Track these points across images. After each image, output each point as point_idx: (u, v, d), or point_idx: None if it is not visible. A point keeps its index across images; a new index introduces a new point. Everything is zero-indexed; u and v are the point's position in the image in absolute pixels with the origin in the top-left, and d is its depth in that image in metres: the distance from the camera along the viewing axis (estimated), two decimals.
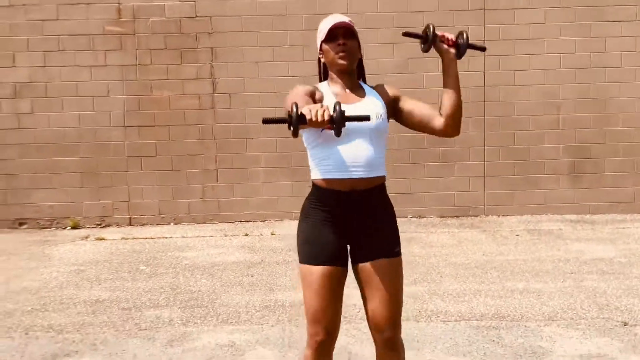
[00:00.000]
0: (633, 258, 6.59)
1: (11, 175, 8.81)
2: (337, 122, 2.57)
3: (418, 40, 3.02)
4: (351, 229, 2.93)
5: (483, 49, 3.13)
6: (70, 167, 8.84)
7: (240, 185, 8.94)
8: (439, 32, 2.95)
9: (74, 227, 8.73)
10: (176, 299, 5.54)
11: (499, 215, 8.86)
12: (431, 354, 4.20)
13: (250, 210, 8.96)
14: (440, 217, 8.86)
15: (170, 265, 6.71)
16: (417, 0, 8.74)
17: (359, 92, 3.02)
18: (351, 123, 2.65)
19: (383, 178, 2.99)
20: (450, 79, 3.00)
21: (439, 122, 3.01)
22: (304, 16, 8.74)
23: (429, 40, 2.94)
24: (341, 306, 2.97)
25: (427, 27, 2.99)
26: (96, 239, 8.01)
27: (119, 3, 8.71)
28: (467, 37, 2.96)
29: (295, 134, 2.60)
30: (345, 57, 2.94)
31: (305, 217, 2.99)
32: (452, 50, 2.97)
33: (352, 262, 2.98)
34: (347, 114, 2.59)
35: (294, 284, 5.87)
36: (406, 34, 3.02)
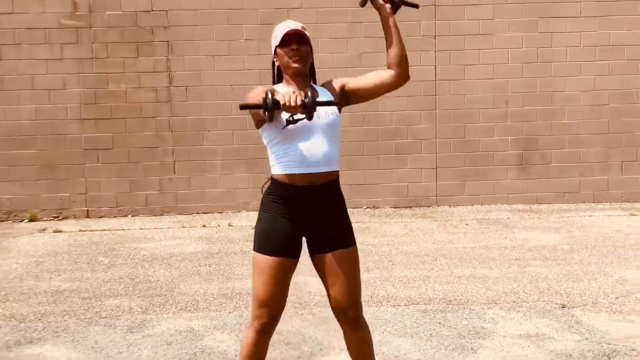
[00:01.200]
0: (575, 245, 6.90)
1: None
2: (309, 107, 2.76)
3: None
4: (308, 221, 3.11)
5: (416, 6, 3.32)
6: (27, 160, 8.88)
7: (198, 178, 9.07)
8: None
9: (32, 220, 8.78)
10: (135, 289, 5.67)
11: (450, 206, 9.14)
12: (381, 336, 4.42)
13: (207, 202, 9.10)
14: (394, 207, 9.10)
15: (128, 256, 6.83)
16: None
17: (312, 92, 3.10)
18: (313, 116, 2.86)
19: (338, 173, 3.18)
20: (390, 31, 3.23)
21: (389, 76, 3.24)
22: (260, 11, 8.90)
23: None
24: (287, 293, 3.18)
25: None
26: (54, 232, 8.08)
27: None
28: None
29: (270, 119, 2.78)
30: (298, 60, 3.12)
31: (264, 209, 3.16)
32: (388, 6, 3.20)
33: (310, 253, 3.18)
34: (313, 119, 2.81)
35: (250, 272, 6.04)
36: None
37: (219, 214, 8.92)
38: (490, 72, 9.17)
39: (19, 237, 7.81)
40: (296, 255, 3.15)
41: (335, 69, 8.69)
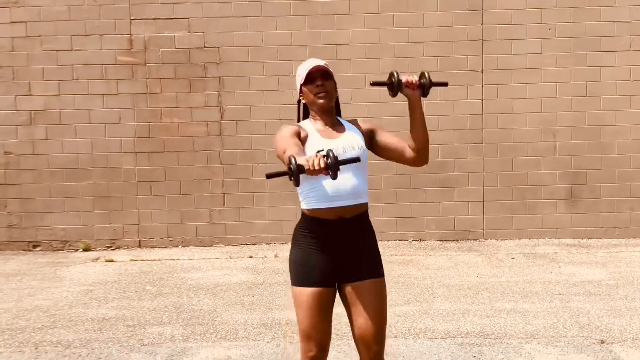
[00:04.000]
0: (621, 280, 6.82)
1: (26, 199, 9.17)
2: (332, 168, 2.80)
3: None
4: (338, 253, 3.17)
5: (445, 84, 3.37)
6: (82, 191, 9.18)
7: (246, 209, 9.24)
8: (403, 78, 3.18)
9: (85, 250, 9.05)
10: (179, 317, 5.82)
11: (497, 239, 9.11)
12: None
13: (255, 234, 9.25)
14: (440, 240, 9.11)
15: (175, 285, 7.00)
16: (417, 32, 9.06)
17: (338, 127, 3.29)
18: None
19: (366, 205, 3.23)
20: (417, 116, 3.22)
21: (409, 154, 3.25)
22: (308, 47, 9.09)
23: (394, 87, 3.18)
24: (331, 323, 3.21)
25: (392, 74, 3.22)
26: (106, 261, 8.32)
27: (130, 34, 9.09)
28: (429, 77, 3.21)
29: (297, 184, 2.84)
30: (324, 96, 3.22)
31: (295, 243, 3.24)
32: (417, 92, 3.21)
33: (338, 283, 3.22)
34: (339, 158, 2.85)
35: (292, 303, 6.14)
36: (374, 84, 3.27)
37: (267, 245, 9.06)
38: (537, 105, 9.16)
39: (72, 266, 8.06)
40: (332, 284, 3.19)
41: (382, 102, 8.82)
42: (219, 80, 9.20)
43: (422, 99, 3.26)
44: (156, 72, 9.16)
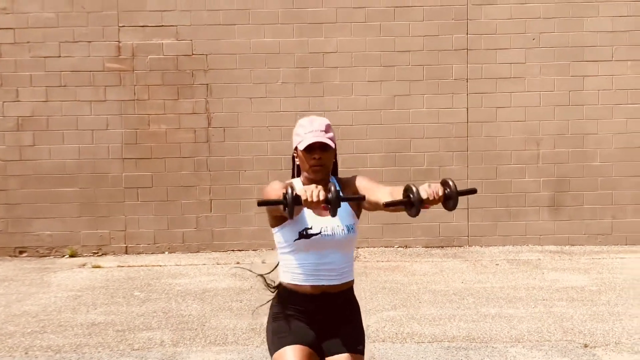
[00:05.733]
0: (603, 287, 6.94)
1: (12, 205, 9.17)
2: (333, 203, 2.57)
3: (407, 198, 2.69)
4: (319, 325, 2.99)
5: (474, 192, 2.85)
6: (69, 197, 9.20)
7: (233, 216, 9.29)
8: (423, 192, 2.65)
9: (72, 256, 9.07)
10: (168, 322, 5.87)
11: (481, 246, 9.21)
12: None
13: (242, 240, 9.30)
14: (426, 247, 9.20)
15: (163, 291, 7.04)
16: (403, 41, 9.16)
17: (334, 187, 2.92)
18: (326, 231, 2.81)
19: (352, 282, 3.08)
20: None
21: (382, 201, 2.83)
22: (296, 55, 9.16)
23: (414, 205, 2.65)
24: None
25: (409, 190, 2.69)
26: (93, 267, 8.34)
27: (118, 41, 9.14)
28: (455, 187, 2.69)
29: (291, 216, 2.62)
30: (318, 170, 2.99)
31: (273, 316, 3.06)
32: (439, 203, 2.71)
33: (323, 352, 3.03)
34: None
35: None
36: (388, 205, 2.74)
37: (253, 252, 9.11)
38: (522, 114, 9.28)
39: (59, 272, 8.08)
40: (316, 349, 2.99)
41: (369, 110, 8.95)
42: (207, 87, 9.26)
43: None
44: (144, 79, 9.20)
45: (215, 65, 9.21)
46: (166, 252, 9.21)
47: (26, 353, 5.10)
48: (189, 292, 6.94)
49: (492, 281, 7.28)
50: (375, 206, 2.97)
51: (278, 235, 3.07)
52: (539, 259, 8.44)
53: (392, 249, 8.95)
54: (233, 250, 9.23)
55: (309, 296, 2.97)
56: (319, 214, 2.96)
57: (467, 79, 9.23)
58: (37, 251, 9.18)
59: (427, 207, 2.63)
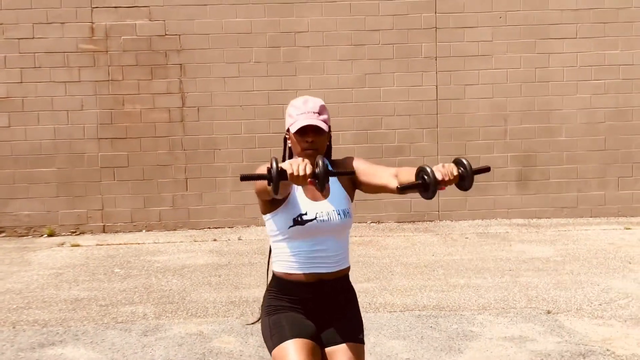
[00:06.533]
0: (567, 257, 7.23)
1: None
2: (321, 178, 2.41)
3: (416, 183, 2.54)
4: (315, 312, 2.86)
5: (488, 170, 2.65)
6: (46, 177, 9.30)
7: (209, 194, 9.46)
8: (438, 173, 2.50)
9: (50, 235, 9.19)
10: (149, 297, 6.05)
11: (452, 220, 9.48)
12: (375, 339, 4.77)
13: (218, 218, 9.48)
14: (397, 222, 9.45)
15: (143, 268, 7.22)
16: (373, 20, 9.34)
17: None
18: (322, 218, 2.66)
19: (347, 269, 2.95)
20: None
21: (392, 186, 2.74)
22: (268, 34, 9.31)
23: (430, 187, 2.49)
24: None
25: (423, 171, 2.52)
26: (72, 246, 8.48)
27: (92, 22, 9.21)
28: (469, 166, 2.55)
29: (275, 191, 2.45)
30: (311, 154, 2.80)
31: (268, 310, 2.89)
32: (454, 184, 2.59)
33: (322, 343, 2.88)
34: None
35: (258, 282, 6.43)
36: (402, 188, 2.58)
37: (229, 229, 9.29)
38: (489, 91, 9.53)
39: (38, 251, 8.21)
40: (317, 341, 2.83)
41: (341, 89, 9.13)
42: (180, 67, 9.38)
43: None
44: (118, 59, 9.30)
45: (188, 45, 9.33)
46: (144, 231, 9.36)
47: (14, 327, 5.27)
48: (168, 269, 7.12)
49: (462, 253, 7.55)
50: (376, 189, 2.87)
51: (270, 222, 2.89)
52: (507, 231, 8.73)
53: (365, 224, 9.18)
54: (210, 228, 9.41)
55: (304, 285, 2.83)
56: (313, 198, 2.83)
57: (436, 57, 9.45)
58: (15, 231, 9.29)
59: (442, 189, 2.50)
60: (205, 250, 8.06)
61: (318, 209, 2.81)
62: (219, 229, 9.30)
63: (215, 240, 8.62)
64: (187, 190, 9.45)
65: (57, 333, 5.10)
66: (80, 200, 9.36)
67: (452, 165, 2.54)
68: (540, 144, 9.60)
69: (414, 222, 9.46)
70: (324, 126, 2.84)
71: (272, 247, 2.91)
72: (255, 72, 9.35)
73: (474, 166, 2.51)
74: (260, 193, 2.81)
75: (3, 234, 9.25)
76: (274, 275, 2.91)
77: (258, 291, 6.10)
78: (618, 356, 4.43)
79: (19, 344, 4.89)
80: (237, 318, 5.38)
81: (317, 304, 2.84)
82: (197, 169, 9.43)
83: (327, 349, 2.82)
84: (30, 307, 5.83)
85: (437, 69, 9.46)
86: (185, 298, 6.00)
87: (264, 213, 2.89)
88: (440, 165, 2.52)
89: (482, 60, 9.49)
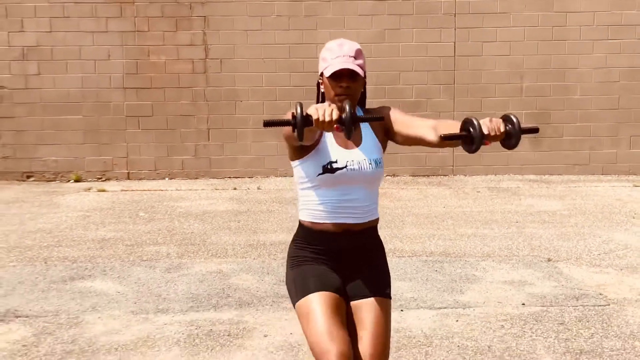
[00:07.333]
0: (574, 211, 7.48)
1: (19, 132, 9.62)
2: (347, 124, 2.31)
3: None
4: (342, 266, 2.74)
5: (537, 131, 2.57)
6: (73, 125, 9.64)
7: (230, 145, 9.77)
8: (485, 127, 2.38)
9: (77, 181, 9.57)
10: (172, 239, 6.40)
11: (465, 175, 9.74)
12: None
13: (239, 168, 9.80)
14: (412, 175, 9.72)
15: (166, 212, 7.56)
16: None
17: (356, 132, 2.68)
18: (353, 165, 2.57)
19: (376, 220, 2.82)
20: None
21: (430, 138, 2.65)
22: None
23: (475, 140, 2.38)
24: (347, 333, 2.62)
25: (469, 122, 2.41)
26: (98, 191, 8.84)
27: None
28: (519, 123, 2.43)
29: (300, 137, 2.32)
30: (344, 100, 2.57)
31: (292, 261, 2.78)
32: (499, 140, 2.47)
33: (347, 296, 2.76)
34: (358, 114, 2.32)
35: (275, 228, 6.76)
36: (445, 137, 2.46)
37: (249, 179, 9.61)
38: (507, 49, 9.70)
39: (67, 195, 8.58)
40: (342, 294, 2.71)
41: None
42: (204, 19, 9.62)
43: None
44: (144, 10, 9.55)
45: None
46: (166, 178, 9.71)
47: (45, 263, 5.63)
48: (190, 214, 7.46)
49: (472, 206, 7.82)
50: (411, 140, 2.76)
51: (298, 169, 2.76)
52: (518, 187, 8.98)
53: None
54: (230, 178, 9.74)
55: (331, 234, 2.71)
56: (344, 146, 2.70)
57: (454, 14, 9.61)
58: (43, 176, 9.68)
59: (487, 144, 2.40)
60: (226, 197, 8.39)
61: (349, 157, 2.68)
62: (239, 179, 9.62)
63: (235, 189, 8.95)
64: (209, 140, 9.76)
65: (86, 268, 5.46)
66: (106, 147, 9.71)
67: (500, 120, 2.44)
68: (555, 101, 9.78)
69: (428, 176, 9.73)
70: (359, 71, 2.67)
71: (299, 195, 2.80)
72: (277, 26, 9.57)
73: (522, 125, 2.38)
74: (288, 138, 2.64)
75: (32, 179, 9.64)
76: (300, 224, 2.80)
77: (275, 236, 6.43)
78: (610, 299, 4.71)
79: (50, 277, 5.26)
80: (254, 259, 5.71)
81: (344, 255, 2.73)
82: (219, 120, 9.72)
83: (353, 303, 2.72)
84: (60, 245, 6.19)
85: (455, 25, 9.63)
86: (206, 240, 6.33)
87: (293, 159, 2.76)
88: (487, 119, 2.43)
89: (500, 17, 9.63)
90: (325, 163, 2.66)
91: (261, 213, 7.50)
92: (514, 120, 2.40)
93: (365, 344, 2.65)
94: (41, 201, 8.22)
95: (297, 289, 2.68)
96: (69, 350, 3.94)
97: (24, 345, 4.01)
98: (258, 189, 8.95)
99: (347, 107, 2.30)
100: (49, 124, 9.63)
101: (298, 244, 2.78)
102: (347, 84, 2.65)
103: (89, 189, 8.98)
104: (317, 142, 2.67)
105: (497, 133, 2.39)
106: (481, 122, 2.38)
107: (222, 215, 7.38)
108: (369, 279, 2.72)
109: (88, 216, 7.39)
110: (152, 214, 7.50)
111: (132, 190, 8.86)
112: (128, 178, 9.74)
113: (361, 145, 2.72)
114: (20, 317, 4.45)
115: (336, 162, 2.66)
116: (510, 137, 2.41)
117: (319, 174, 2.67)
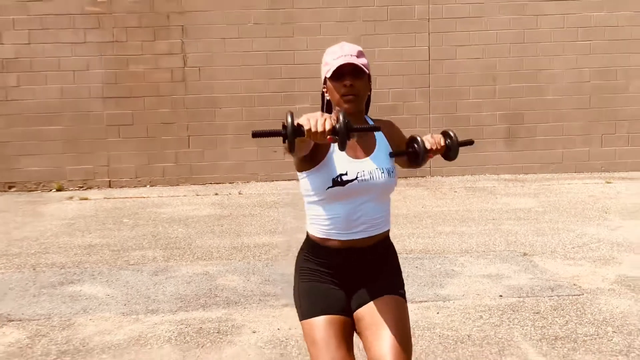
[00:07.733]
0: (549, 208, 7.69)
1: (0, 143, 9.67)
2: (341, 134, 2.16)
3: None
4: (350, 278, 2.61)
5: (472, 143, 2.78)
6: (54, 135, 9.72)
7: (210, 151, 9.89)
8: (427, 143, 2.58)
9: (59, 190, 9.64)
10: (157, 243, 6.52)
11: (442, 176, 9.94)
12: None
13: (219, 173, 9.93)
14: None
15: (149, 218, 7.67)
16: None
17: (368, 140, 2.62)
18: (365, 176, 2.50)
19: (387, 232, 2.70)
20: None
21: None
22: None
23: (420, 155, 2.58)
24: (354, 358, 2.55)
25: (414, 140, 2.60)
26: (81, 199, 8.93)
27: None
28: (456, 137, 2.65)
29: (291, 149, 2.18)
30: (351, 100, 2.54)
31: (300, 274, 2.66)
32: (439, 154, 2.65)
33: (352, 310, 2.63)
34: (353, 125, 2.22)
35: (258, 231, 6.89)
36: (394, 154, 2.63)
37: (230, 184, 9.74)
38: (480, 52, 9.92)
39: (49, 204, 8.66)
40: (348, 314, 2.61)
41: None
42: (182, 28, 9.75)
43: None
44: (122, 21, 9.67)
45: (189, 7, 9.69)
46: (148, 186, 9.81)
47: (34, 269, 5.73)
48: (173, 219, 7.58)
49: (450, 205, 8.01)
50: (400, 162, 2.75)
51: (305, 181, 2.59)
52: (494, 186, 9.18)
53: None
54: (211, 184, 9.86)
55: (341, 251, 2.57)
56: (354, 156, 2.55)
57: (428, 19, 9.82)
58: (25, 186, 9.75)
59: (430, 157, 2.60)
60: (208, 203, 8.51)
61: (359, 167, 2.53)
62: (220, 185, 9.75)
63: (216, 194, 9.07)
64: (189, 147, 9.88)
65: (75, 273, 5.57)
66: (87, 157, 9.79)
67: (440, 136, 2.62)
68: (528, 102, 10.01)
69: (406, 177, 9.90)
70: (362, 66, 2.54)
71: (306, 208, 2.65)
72: (255, 34, 9.72)
73: (460, 139, 2.63)
74: (299, 149, 2.38)
75: (14, 189, 9.70)
76: (308, 237, 2.67)
77: (258, 238, 6.57)
78: (583, 289, 4.90)
79: (40, 282, 5.36)
80: (239, 260, 5.84)
81: (353, 270, 2.59)
82: (199, 127, 9.85)
83: (364, 306, 2.57)
84: (47, 252, 6.29)
85: (429, 30, 9.84)
86: (191, 244, 6.46)
87: (299, 170, 2.59)
88: (429, 135, 2.61)
89: (473, 22, 9.86)
90: (335, 176, 2.50)
91: (243, 217, 7.64)
92: (452, 135, 2.63)
93: (386, 350, 2.47)
94: (24, 211, 8.29)
95: (303, 307, 2.60)
96: (64, 350, 4.06)
97: (19, 348, 4.12)
98: (239, 193, 9.07)
99: (342, 117, 2.17)
100: (29, 135, 9.70)
101: (305, 255, 2.66)
102: (351, 81, 2.52)
103: (71, 198, 9.06)
104: (326, 152, 2.53)
105: (438, 147, 2.59)
106: (424, 138, 2.57)
107: (205, 220, 7.51)
108: (380, 280, 2.60)
109: (73, 224, 7.48)
110: (135, 220, 7.61)
111: (115, 198, 8.95)
112: (109, 186, 9.84)
113: (373, 153, 2.59)
114: (13, 321, 4.55)
115: (346, 174, 2.50)
116: (450, 150, 2.63)
117: (329, 187, 2.51)
